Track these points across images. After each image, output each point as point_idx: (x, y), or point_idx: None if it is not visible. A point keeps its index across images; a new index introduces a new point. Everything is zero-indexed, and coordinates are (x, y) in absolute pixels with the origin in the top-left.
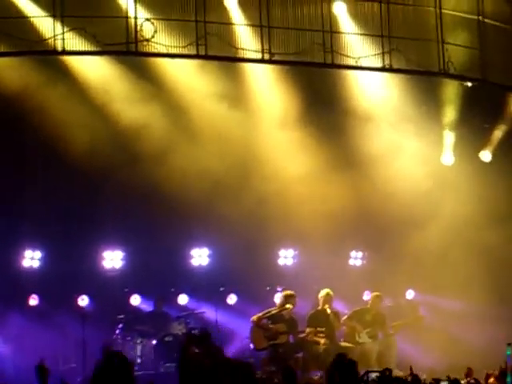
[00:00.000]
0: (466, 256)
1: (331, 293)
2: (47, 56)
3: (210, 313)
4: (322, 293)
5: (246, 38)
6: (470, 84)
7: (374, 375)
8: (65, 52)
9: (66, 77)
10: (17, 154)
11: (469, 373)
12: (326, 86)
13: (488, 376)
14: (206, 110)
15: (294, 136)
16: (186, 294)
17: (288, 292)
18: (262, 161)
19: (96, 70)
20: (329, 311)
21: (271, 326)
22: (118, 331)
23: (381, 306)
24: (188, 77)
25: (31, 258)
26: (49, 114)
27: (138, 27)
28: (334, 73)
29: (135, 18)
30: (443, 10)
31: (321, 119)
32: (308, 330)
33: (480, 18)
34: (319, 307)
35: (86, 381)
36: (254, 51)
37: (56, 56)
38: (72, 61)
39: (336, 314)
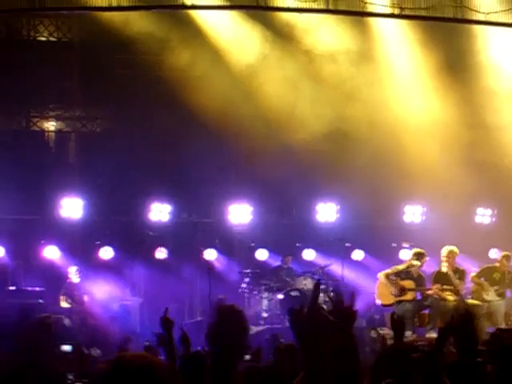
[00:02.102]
0: None
1: (455, 250)
2: (176, 10)
3: (335, 268)
4: (447, 249)
5: None
6: None
7: None
8: (193, 6)
9: (196, 31)
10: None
11: None
12: (457, 41)
13: None
14: (335, 66)
15: (422, 91)
16: (312, 249)
17: (418, 250)
18: (393, 118)
19: (226, 25)
20: (445, 270)
21: (398, 282)
22: (244, 285)
23: (509, 265)
24: (317, 31)
25: (160, 212)
26: (177, 68)
27: None
28: (464, 29)
29: None
30: None
31: (450, 74)
32: (435, 286)
33: None
34: (443, 264)
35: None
36: (383, 6)
37: (186, 10)
38: (201, 15)
39: (462, 273)
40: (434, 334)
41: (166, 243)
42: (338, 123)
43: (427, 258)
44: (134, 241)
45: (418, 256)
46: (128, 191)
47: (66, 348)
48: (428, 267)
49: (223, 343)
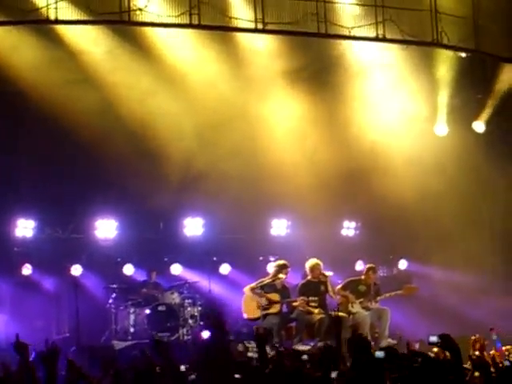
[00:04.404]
0: (460, 226)
1: (319, 262)
2: (40, 25)
3: (202, 283)
4: (312, 262)
5: (240, 8)
6: (463, 54)
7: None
8: (57, 21)
9: (59, 46)
10: (10, 124)
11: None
12: (319, 54)
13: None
14: (199, 78)
15: (286, 104)
16: (179, 263)
17: (281, 262)
18: (257, 130)
19: (90, 40)
20: (311, 281)
21: (264, 295)
22: (111, 301)
23: (375, 277)
24: (181, 46)
25: (24, 227)
26: (42, 83)
27: None
28: (328, 42)
29: None
30: None
31: (313, 85)
32: (299, 299)
33: None
34: (309, 277)
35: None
36: (247, 21)
37: (49, 25)
38: (65, 30)
39: (326, 284)
40: (301, 347)
41: (32, 259)
42: (204, 137)
43: (289, 270)
44: (0, 258)
45: (282, 268)
46: None
47: None
48: (293, 279)
49: None
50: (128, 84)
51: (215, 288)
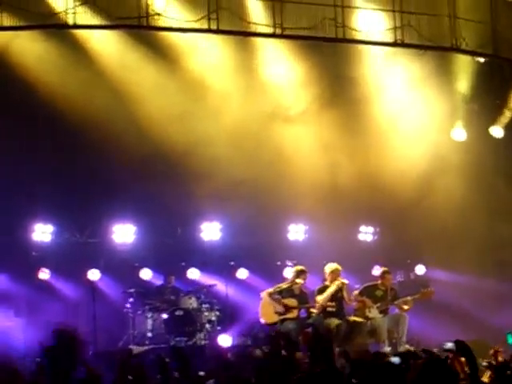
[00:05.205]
0: (478, 232)
1: (338, 267)
2: (59, 29)
3: (220, 287)
4: (332, 266)
5: (258, 13)
6: (481, 59)
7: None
8: (76, 26)
9: (77, 51)
10: (28, 127)
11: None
12: (337, 59)
13: (496, 353)
14: (217, 83)
15: (303, 109)
16: (197, 268)
17: (299, 267)
18: (276, 138)
19: (108, 45)
20: (329, 286)
21: (282, 300)
22: (128, 305)
23: (390, 280)
24: (199, 51)
25: (42, 232)
26: (60, 87)
27: (150, 1)
28: (346, 47)
29: None
30: None
31: (331, 92)
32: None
33: None
34: (326, 282)
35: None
36: (265, 26)
37: (67, 30)
38: (82, 33)
39: (343, 289)
40: None
41: (49, 264)
42: (219, 144)
43: (307, 274)
44: (17, 261)
45: (299, 273)
46: (10, 211)
47: None
48: (311, 284)
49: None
50: (148, 88)
51: (232, 292)
